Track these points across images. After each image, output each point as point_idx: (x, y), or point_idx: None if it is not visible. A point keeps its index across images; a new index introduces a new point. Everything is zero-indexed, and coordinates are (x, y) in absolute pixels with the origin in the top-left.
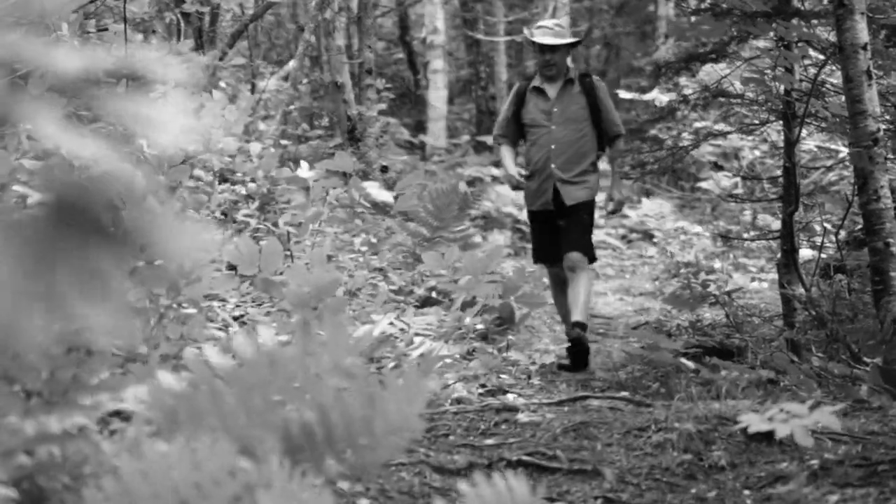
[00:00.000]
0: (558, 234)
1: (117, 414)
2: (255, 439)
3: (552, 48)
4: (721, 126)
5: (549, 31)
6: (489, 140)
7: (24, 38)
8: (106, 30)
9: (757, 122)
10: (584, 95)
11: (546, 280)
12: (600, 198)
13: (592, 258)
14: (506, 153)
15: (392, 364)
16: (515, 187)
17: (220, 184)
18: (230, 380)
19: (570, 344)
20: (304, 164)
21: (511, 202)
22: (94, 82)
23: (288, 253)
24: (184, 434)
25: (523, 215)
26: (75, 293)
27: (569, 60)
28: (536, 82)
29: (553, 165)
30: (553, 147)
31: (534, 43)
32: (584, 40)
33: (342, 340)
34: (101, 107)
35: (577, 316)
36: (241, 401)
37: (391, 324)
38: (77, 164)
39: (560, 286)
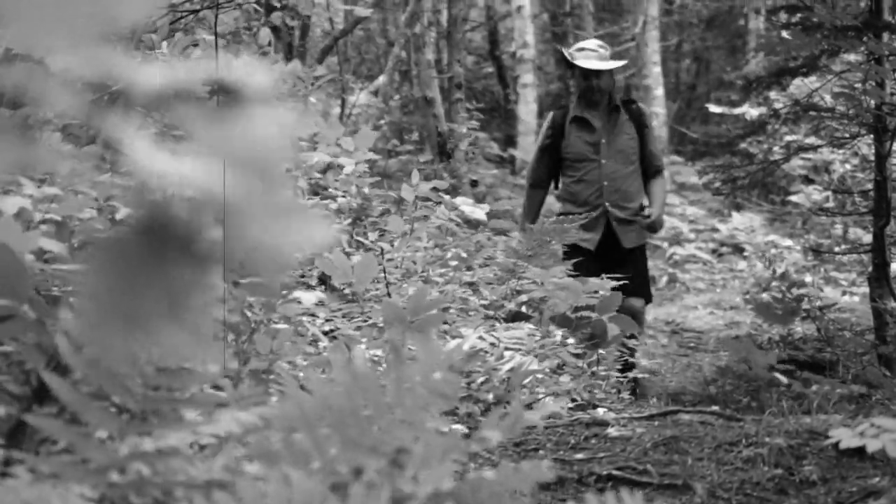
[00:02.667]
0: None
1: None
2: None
3: (597, 73)
4: (811, 140)
5: (593, 53)
6: None
7: (114, 54)
8: (197, 44)
9: (847, 135)
10: (633, 124)
11: None
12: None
13: (649, 299)
14: (532, 197)
15: (482, 379)
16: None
17: (310, 198)
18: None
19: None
20: (406, 185)
21: None
22: (184, 98)
23: (381, 268)
24: (277, 460)
25: None
26: (159, 313)
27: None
28: (576, 111)
29: (608, 203)
30: (605, 184)
31: (574, 67)
32: (677, 52)
33: (433, 356)
34: (190, 123)
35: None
36: (336, 426)
37: (481, 338)
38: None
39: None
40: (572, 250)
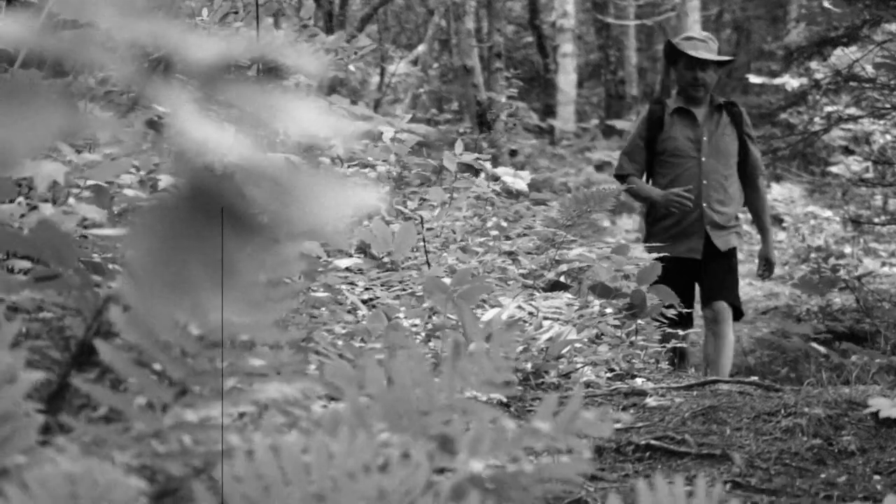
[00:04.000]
0: (689, 289)
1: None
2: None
3: (704, 64)
4: (852, 110)
5: (702, 44)
6: (618, 124)
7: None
8: (237, 12)
9: (888, 106)
10: (734, 126)
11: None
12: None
13: (740, 314)
14: (638, 181)
15: (521, 348)
16: (680, 206)
17: (348, 167)
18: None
19: None
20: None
21: None
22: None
23: (420, 237)
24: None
25: None
26: (208, 280)
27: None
28: (678, 103)
29: (705, 204)
30: (705, 182)
31: (681, 56)
32: (717, 22)
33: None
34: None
35: (717, 372)
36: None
37: (519, 307)
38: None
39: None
40: (674, 263)
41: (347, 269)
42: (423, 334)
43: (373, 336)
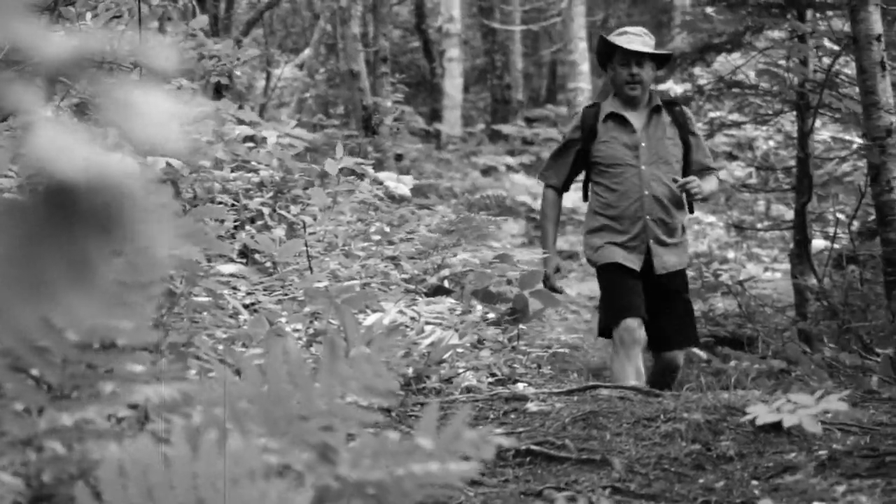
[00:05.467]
0: (638, 290)
1: (133, 408)
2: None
3: (640, 59)
4: (735, 116)
5: (637, 38)
6: (504, 128)
7: (20, 22)
8: (121, 16)
9: (771, 112)
10: (676, 128)
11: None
12: None
13: (695, 343)
14: (550, 207)
15: (402, 353)
16: (552, 288)
17: (232, 171)
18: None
19: None
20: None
21: (525, 191)
22: (85, 69)
23: (303, 242)
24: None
25: (537, 203)
26: (65, 280)
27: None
28: (612, 107)
29: (649, 218)
30: (646, 194)
31: (615, 52)
32: (603, 27)
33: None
34: (92, 94)
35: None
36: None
37: (401, 312)
38: (65, 153)
39: (631, 353)
40: (611, 269)
41: (231, 274)
42: (304, 339)
43: (254, 341)
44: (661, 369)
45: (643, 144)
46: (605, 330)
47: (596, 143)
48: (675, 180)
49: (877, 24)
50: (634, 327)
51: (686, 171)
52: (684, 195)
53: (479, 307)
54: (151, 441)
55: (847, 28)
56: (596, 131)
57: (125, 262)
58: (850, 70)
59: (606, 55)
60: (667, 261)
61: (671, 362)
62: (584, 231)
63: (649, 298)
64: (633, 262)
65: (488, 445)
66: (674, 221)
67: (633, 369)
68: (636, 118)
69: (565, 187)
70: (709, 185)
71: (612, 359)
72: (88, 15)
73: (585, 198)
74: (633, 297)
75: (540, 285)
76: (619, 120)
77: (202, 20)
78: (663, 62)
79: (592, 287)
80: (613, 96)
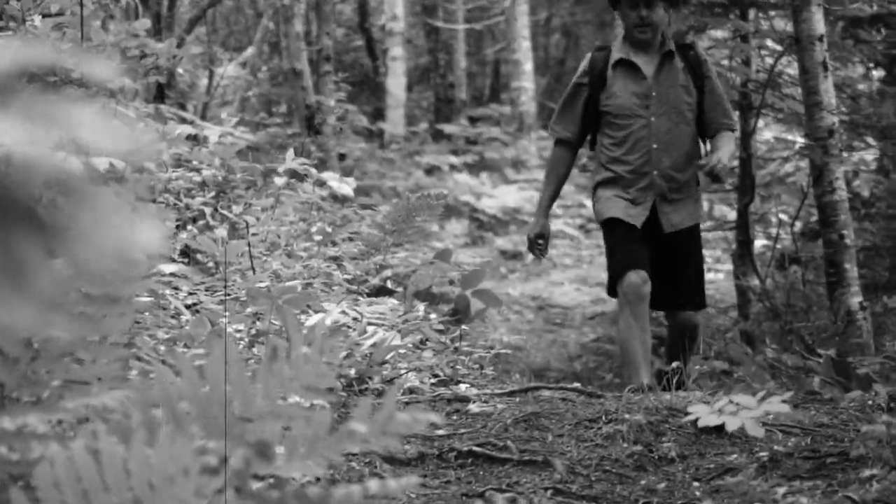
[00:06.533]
0: (644, 247)
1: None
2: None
3: (649, 1)
4: None
5: None
6: (447, 128)
7: None
8: (63, 13)
9: None
10: (690, 74)
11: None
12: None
13: (703, 305)
14: (553, 169)
15: (345, 354)
16: (529, 249)
17: (174, 170)
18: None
19: None
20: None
21: (469, 191)
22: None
23: (245, 241)
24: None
25: (481, 203)
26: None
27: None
28: (621, 52)
29: (655, 172)
30: (654, 146)
31: None
32: (546, 27)
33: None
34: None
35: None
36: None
37: (344, 313)
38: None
39: (637, 309)
40: (613, 224)
41: (172, 273)
42: (246, 340)
43: (196, 341)
44: (679, 332)
45: (654, 93)
46: (612, 288)
47: (605, 90)
48: (700, 165)
49: (819, 25)
50: (637, 283)
51: (700, 121)
52: (702, 172)
53: (421, 307)
54: (86, 442)
55: (789, 28)
56: (605, 78)
57: (83, 270)
58: (793, 70)
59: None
60: (674, 218)
61: (688, 322)
62: (591, 184)
63: (659, 256)
64: (637, 217)
65: (420, 422)
66: (684, 175)
67: (638, 329)
68: (647, 64)
69: (578, 142)
70: (728, 150)
71: (619, 317)
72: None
73: (593, 147)
74: (633, 250)
75: (482, 285)
76: (628, 66)
77: (145, 22)
78: (676, 2)
79: (536, 287)
80: (623, 40)
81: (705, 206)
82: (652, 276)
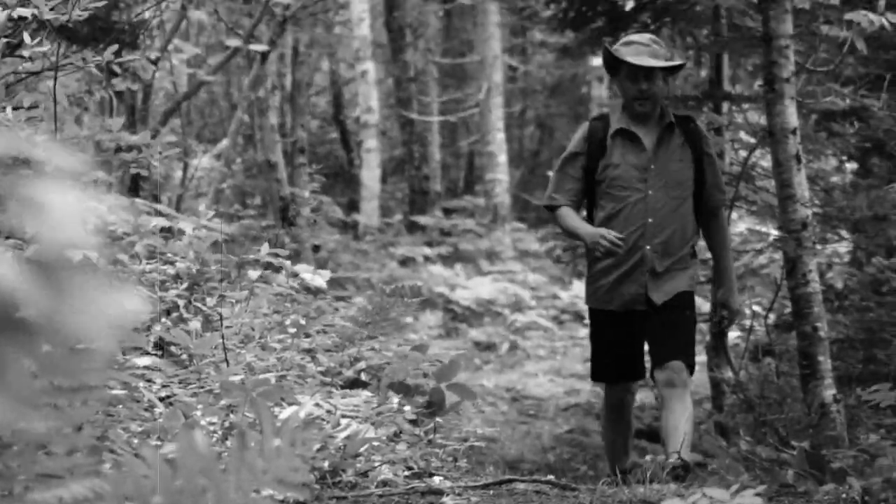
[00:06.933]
0: (635, 344)
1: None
2: None
3: (650, 73)
4: None
5: (645, 48)
6: (422, 219)
7: None
8: (36, 107)
9: None
10: (689, 148)
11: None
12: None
13: (692, 369)
14: (569, 213)
15: (318, 446)
16: (608, 252)
17: (148, 262)
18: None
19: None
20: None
21: (443, 282)
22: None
23: (219, 334)
24: None
25: (455, 295)
26: None
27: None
28: (621, 122)
29: (648, 247)
30: (650, 221)
31: (621, 65)
32: (520, 119)
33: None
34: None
35: (675, 446)
36: None
37: (317, 405)
38: None
39: (620, 412)
40: (597, 316)
41: (145, 366)
42: (220, 433)
43: (169, 434)
44: (663, 382)
45: (653, 166)
46: (598, 378)
47: (603, 160)
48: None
49: (792, 118)
50: (621, 396)
51: (699, 198)
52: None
53: (395, 399)
54: None
55: (763, 121)
56: (604, 147)
57: (54, 362)
58: (767, 163)
59: (613, 67)
60: (665, 288)
61: (672, 374)
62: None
63: (650, 323)
64: (628, 300)
65: None
66: (679, 251)
67: (622, 423)
68: (647, 135)
69: (577, 208)
70: (728, 268)
71: (602, 412)
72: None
73: (589, 219)
74: (619, 355)
75: (457, 378)
76: (629, 136)
77: (119, 121)
78: (676, 72)
79: (510, 378)
80: (623, 110)
81: None
82: (649, 341)
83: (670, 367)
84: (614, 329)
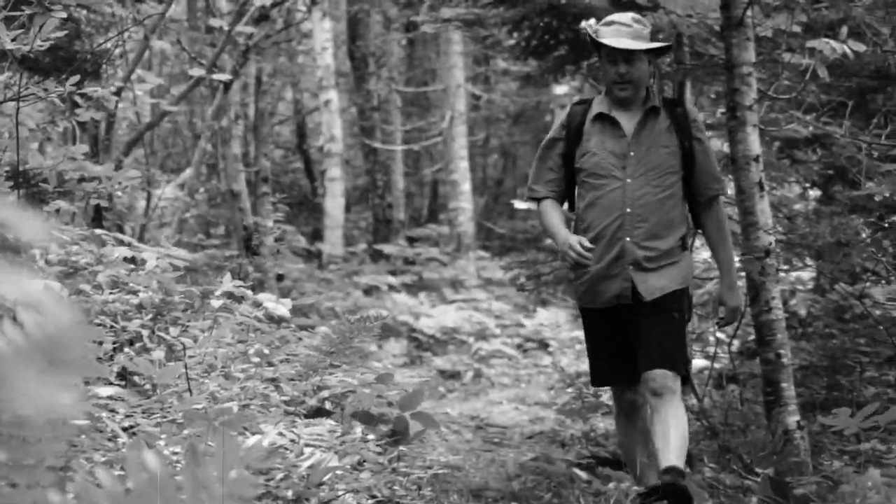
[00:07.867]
0: (630, 339)
1: None
2: None
3: (630, 56)
4: None
5: (626, 29)
6: (386, 248)
7: None
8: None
9: None
10: (676, 133)
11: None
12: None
13: (686, 376)
14: (549, 210)
15: (281, 476)
16: (576, 265)
17: (110, 292)
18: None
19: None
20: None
21: (407, 311)
22: None
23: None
24: None
25: (419, 323)
26: None
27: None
28: (602, 107)
29: (628, 239)
30: (628, 211)
31: (601, 47)
32: (484, 147)
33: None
34: None
35: (670, 458)
36: None
37: (281, 434)
38: None
39: (632, 417)
40: (587, 314)
41: (109, 396)
42: (182, 462)
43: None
44: (651, 392)
45: (632, 153)
46: (598, 384)
47: (580, 147)
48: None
49: (755, 145)
50: (631, 397)
51: (688, 187)
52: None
53: (359, 428)
54: None
55: (726, 148)
56: (582, 132)
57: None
58: (729, 190)
59: (595, 47)
60: (653, 284)
61: (658, 383)
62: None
63: (641, 322)
64: (611, 296)
65: None
66: (664, 243)
67: (637, 433)
68: (628, 120)
69: (561, 201)
70: (727, 259)
71: (616, 422)
72: None
73: (572, 208)
74: (620, 361)
75: (420, 406)
76: (608, 121)
77: (82, 148)
78: (661, 54)
79: (474, 406)
80: (605, 93)
81: None
82: (629, 351)
83: (654, 376)
84: (606, 327)
